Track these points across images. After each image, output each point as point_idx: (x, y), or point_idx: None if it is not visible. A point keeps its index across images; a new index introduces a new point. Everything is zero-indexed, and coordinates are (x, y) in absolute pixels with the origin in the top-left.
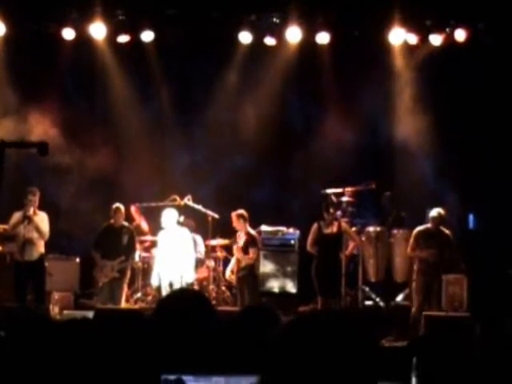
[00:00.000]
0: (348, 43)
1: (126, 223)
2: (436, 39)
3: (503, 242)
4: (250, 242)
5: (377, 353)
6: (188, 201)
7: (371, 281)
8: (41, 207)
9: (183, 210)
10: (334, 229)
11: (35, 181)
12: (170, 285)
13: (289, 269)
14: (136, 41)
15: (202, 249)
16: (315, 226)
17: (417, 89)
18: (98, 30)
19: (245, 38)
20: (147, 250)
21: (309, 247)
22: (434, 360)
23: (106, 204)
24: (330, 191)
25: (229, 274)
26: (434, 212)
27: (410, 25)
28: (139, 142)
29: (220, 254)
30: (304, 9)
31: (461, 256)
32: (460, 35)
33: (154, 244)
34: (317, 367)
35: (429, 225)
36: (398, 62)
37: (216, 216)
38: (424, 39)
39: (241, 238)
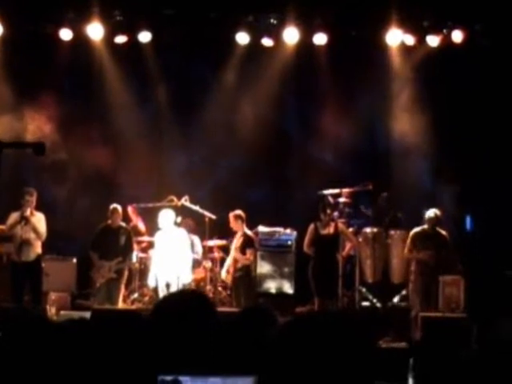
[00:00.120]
0: (345, 44)
1: (123, 224)
2: (433, 40)
3: (500, 244)
4: (247, 242)
5: (373, 353)
6: (185, 201)
7: (368, 282)
8: (38, 208)
9: (180, 210)
10: (331, 230)
11: (32, 182)
12: (167, 285)
13: (286, 270)
14: (133, 41)
15: (199, 249)
16: (312, 226)
17: (414, 90)
18: (95, 31)
19: (242, 38)
20: (144, 250)
21: (305, 248)
22: (431, 361)
23: (103, 205)
24: (326, 192)
25: (224, 274)
26: (430, 213)
27: (408, 26)
28: (136, 143)
29: (217, 254)
30: (301, 10)
31: (458, 257)
32: (457, 36)
33: (151, 245)
34: (314, 368)
35: (425, 226)
36: (396, 63)
37: (213, 217)
38: (421, 40)
39: (238, 239)
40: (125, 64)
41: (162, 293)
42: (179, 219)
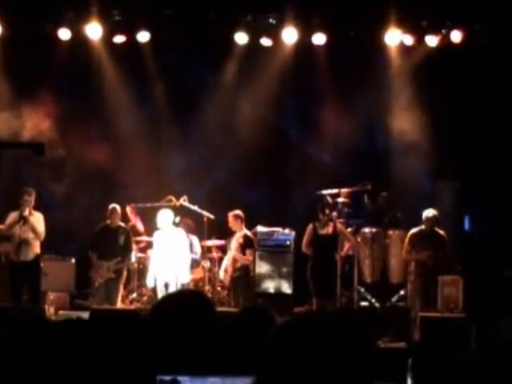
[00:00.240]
0: (344, 44)
1: (122, 224)
2: (432, 40)
3: (499, 244)
4: (248, 243)
5: (372, 354)
6: (184, 201)
7: (367, 282)
8: (36, 205)
9: (179, 210)
10: (330, 230)
11: (30, 179)
12: (166, 285)
13: (284, 270)
14: (132, 41)
15: (198, 249)
16: (310, 226)
17: (413, 90)
18: (94, 31)
19: (241, 38)
20: (143, 250)
21: (304, 248)
22: (430, 361)
23: (101, 204)
24: (325, 192)
25: (222, 274)
26: (428, 213)
27: (406, 26)
28: (135, 143)
29: (216, 254)
30: (300, 9)
31: (457, 257)
32: (456, 36)
33: (149, 245)
34: (312, 368)
35: (423, 226)
36: (395, 63)
37: (212, 217)
38: (420, 40)
39: (238, 239)
40: (123, 64)
41: (160, 293)
42: (178, 219)
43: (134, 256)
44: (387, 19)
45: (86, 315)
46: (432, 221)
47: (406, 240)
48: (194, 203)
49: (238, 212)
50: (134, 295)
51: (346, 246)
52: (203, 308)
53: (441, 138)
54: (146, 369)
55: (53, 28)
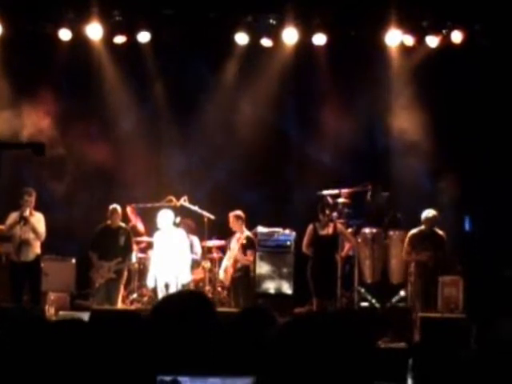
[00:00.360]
0: (344, 44)
1: (123, 224)
2: (432, 41)
3: (499, 244)
4: (249, 243)
5: (373, 354)
6: (184, 201)
7: (367, 282)
8: (37, 204)
9: (179, 210)
10: (330, 230)
11: (30, 178)
12: (166, 286)
13: (285, 270)
14: (132, 41)
15: (198, 250)
16: (311, 227)
17: (413, 90)
18: (94, 31)
19: (241, 38)
20: (143, 250)
21: (304, 248)
22: (430, 361)
23: (102, 205)
24: (325, 192)
25: (222, 274)
26: (428, 213)
27: (407, 26)
28: (135, 143)
29: (216, 255)
30: (300, 10)
31: (457, 258)
32: (456, 37)
33: (150, 245)
34: (313, 368)
35: (422, 227)
36: (395, 63)
37: (212, 217)
38: (420, 40)
39: (239, 239)
40: (124, 64)
41: (161, 293)
42: (178, 219)
43: (135, 256)
44: (388, 19)
45: (86, 315)
46: (432, 221)
47: (406, 241)
48: (194, 203)
49: (239, 212)
50: (135, 295)
51: (347, 246)
52: (203, 308)
53: (441, 138)
54: (146, 369)
55: (53, 28)
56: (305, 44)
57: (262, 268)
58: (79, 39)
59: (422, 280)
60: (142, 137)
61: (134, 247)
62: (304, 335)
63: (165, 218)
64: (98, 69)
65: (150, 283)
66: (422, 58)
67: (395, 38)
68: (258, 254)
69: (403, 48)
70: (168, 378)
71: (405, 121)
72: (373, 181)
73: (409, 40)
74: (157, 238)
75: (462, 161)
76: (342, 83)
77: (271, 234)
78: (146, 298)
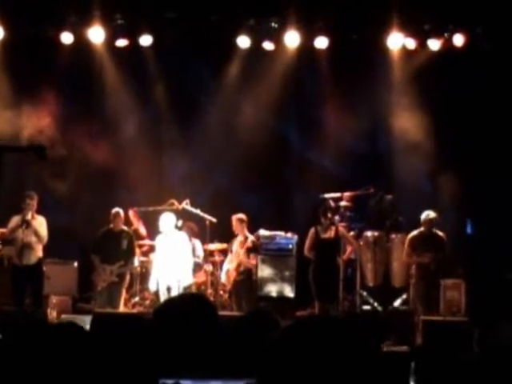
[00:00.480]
0: (346, 48)
1: (125, 228)
2: (434, 44)
3: (501, 247)
4: (253, 247)
5: (375, 357)
6: (186, 205)
7: (369, 285)
8: (38, 206)
9: (181, 214)
10: (332, 233)
11: (32, 184)
12: (168, 289)
13: (287, 273)
14: (134, 45)
15: (200, 253)
16: (312, 230)
17: (415, 93)
18: (96, 34)
19: (243, 42)
20: (145, 254)
21: (306, 252)
22: (432, 365)
23: (104, 208)
24: (327, 196)
25: (224, 277)
26: (428, 215)
27: (409, 29)
28: (137, 146)
29: (218, 258)
30: (302, 13)
31: (459, 261)
32: (458, 40)
33: (152, 248)
34: (315, 372)
35: (422, 228)
36: (397, 66)
37: (214, 220)
38: (422, 44)
39: (242, 242)
40: (126, 67)
41: (163, 296)
42: (180, 223)
43: (137, 260)
44: (389, 23)
45: (88, 319)
46: (431, 222)
47: (406, 243)
48: (195, 207)
49: (242, 216)
50: (137, 299)
51: (348, 249)
52: (205, 311)
53: (443, 141)
54: (148, 372)
55: (55, 31)
56: (307, 47)
57: (264, 271)
58: (81, 42)
59: (423, 283)
60: (144, 140)
61: (137, 251)
62: (306, 338)
63: (167, 221)
64: (99, 72)
65: (152, 286)
66: (423, 61)
67: (397, 41)
68: (259, 257)
69: (405, 51)
70: (170, 382)
71: (406, 124)
72: (375, 184)
73: (411, 43)
74: (159, 242)
75: (463, 163)
76: (343, 87)
77: (273, 238)
78: (148, 302)
